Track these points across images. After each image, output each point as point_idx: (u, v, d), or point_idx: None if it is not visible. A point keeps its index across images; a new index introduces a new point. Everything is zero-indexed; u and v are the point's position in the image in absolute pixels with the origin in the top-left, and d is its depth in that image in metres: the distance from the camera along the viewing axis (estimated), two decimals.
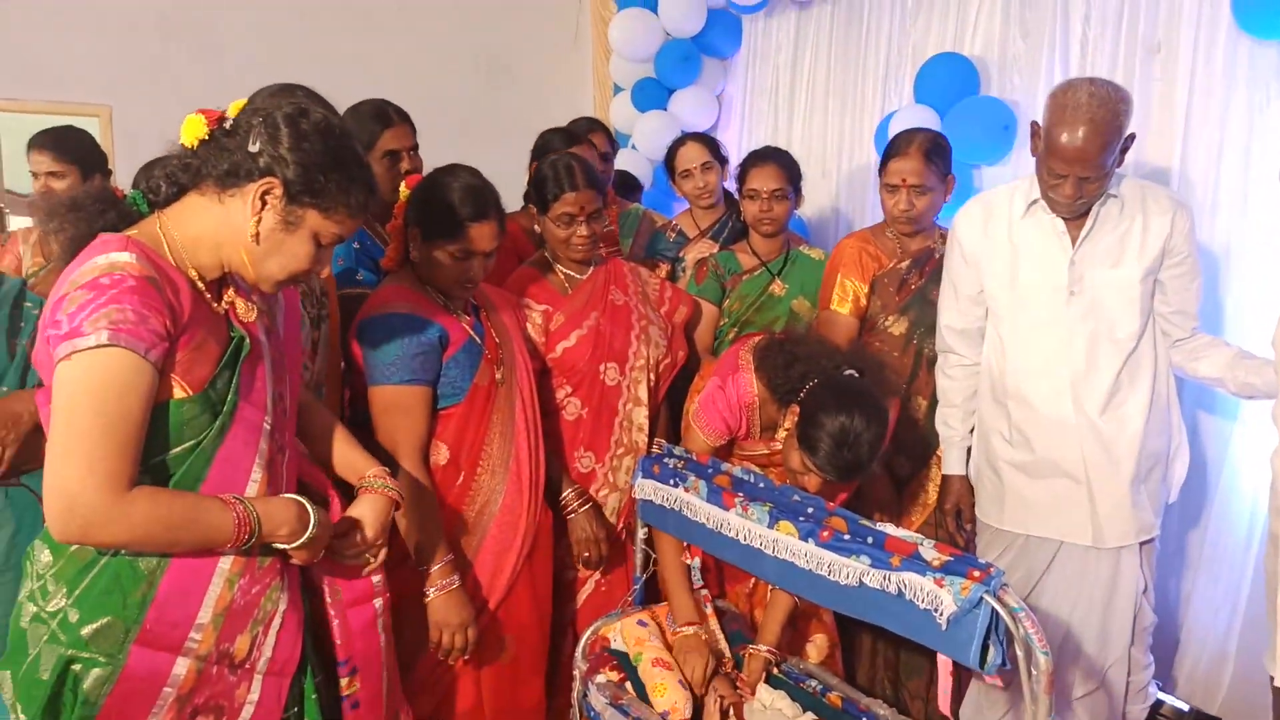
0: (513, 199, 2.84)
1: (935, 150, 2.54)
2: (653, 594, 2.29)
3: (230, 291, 1.42)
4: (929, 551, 1.55)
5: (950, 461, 2.39)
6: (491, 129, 5.39)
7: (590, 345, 2.35)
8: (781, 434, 2.02)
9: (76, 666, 1.27)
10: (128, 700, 1.29)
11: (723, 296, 2.80)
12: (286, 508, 1.38)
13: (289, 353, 1.55)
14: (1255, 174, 2.54)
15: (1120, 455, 2.10)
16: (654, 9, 4.18)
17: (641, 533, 2.20)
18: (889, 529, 1.64)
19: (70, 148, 2.80)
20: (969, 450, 2.37)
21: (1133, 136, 2.05)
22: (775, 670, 2.04)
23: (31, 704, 1.28)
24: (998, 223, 2.26)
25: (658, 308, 2.52)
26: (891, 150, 2.57)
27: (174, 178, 1.36)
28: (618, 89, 4.57)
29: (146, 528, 1.24)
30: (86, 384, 1.19)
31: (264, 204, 1.32)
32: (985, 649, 1.46)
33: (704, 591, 2.11)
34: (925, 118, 3.19)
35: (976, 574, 1.47)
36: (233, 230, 1.33)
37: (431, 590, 1.88)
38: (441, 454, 2.00)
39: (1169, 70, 2.72)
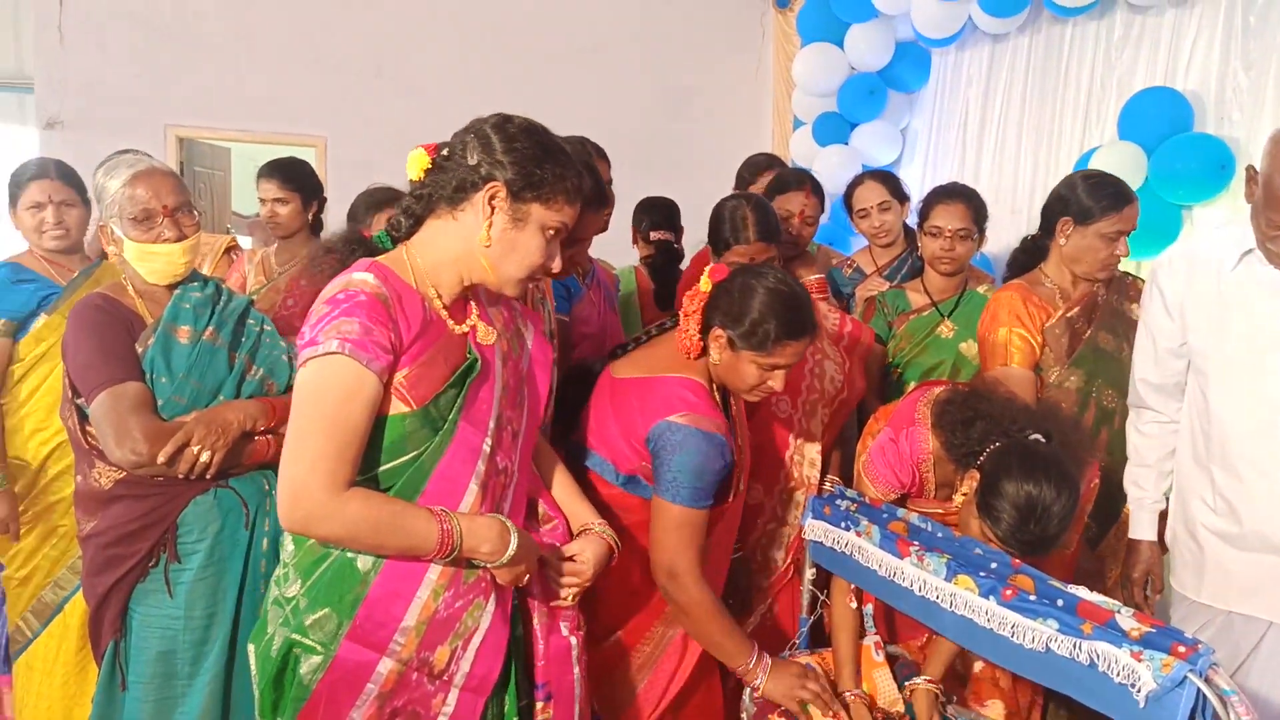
0: (692, 230, 2.87)
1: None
2: (818, 636, 2.24)
3: (473, 315, 1.51)
4: (1127, 620, 1.45)
5: (1140, 525, 2.22)
6: (672, 161, 5.51)
7: None
8: (959, 498, 1.91)
9: (297, 651, 1.39)
10: (335, 690, 1.39)
11: (890, 335, 2.73)
12: (490, 526, 1.43)
13: (531, 384, 1.62)
14: None
15: None
16: (839, 44, 4.15)
17: (810, 573, 2.15)
18: (1081, 592, 1.54)
19: (294, 176, 3.07)
20: (1161, 514, 2.20)
21: None
22: (945, 712, 1.95)
23: (263, 678, 1.42)
24: (1205, 274, 2.09)
25: (835, 342, 2.49)
26: (1119, 200, 2.36)
27: (410, 211, 1.49)
28: (799, 123, 4.56)
29: (357, 526, 1.33)
30: (315, 388, 1.32)
31: (492, 208, 1.42)
32: None
33: (875, 637, 2.04)
34: (1130, 155, 3.02)
35: (1182, 650, 1.35)
36: (469, 241, 1.44)
37: (760, 678, 1.88)
38: None
39: None
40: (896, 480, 2.08)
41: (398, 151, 1.57)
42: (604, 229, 1.87)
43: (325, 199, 3.20)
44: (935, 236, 2.65)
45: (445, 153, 1.46)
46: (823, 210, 2.95)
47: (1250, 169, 1.98)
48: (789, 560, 2.32)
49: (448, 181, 1.43)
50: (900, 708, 1.92)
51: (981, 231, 2.69)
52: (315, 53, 5.34)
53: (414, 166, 1.47)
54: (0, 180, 2.71)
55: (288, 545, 1.45)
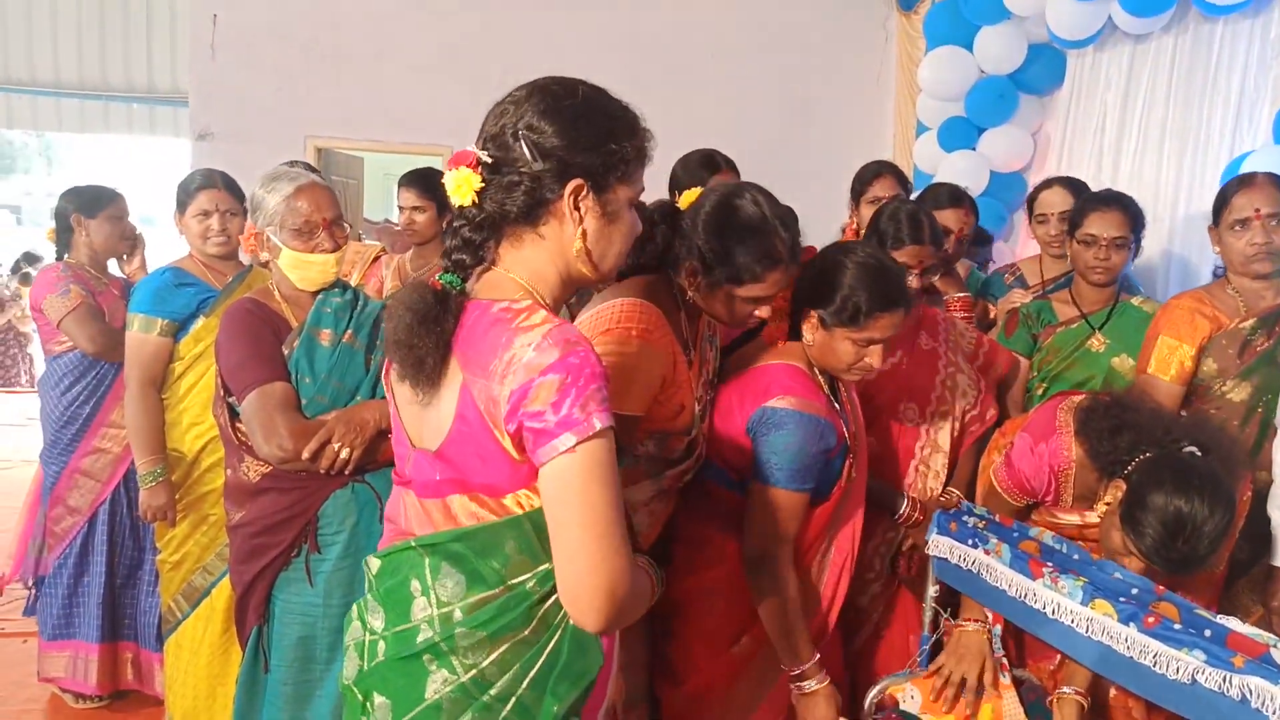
0: (810, 239, 2.84)
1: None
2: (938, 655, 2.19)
3: None
4: None
5: None
6: (794, 171, 5.45)
7: (890, 380, 2.31)
8: (1101, 508, 1.83)
9: None
10: None
11: (1034, 349, 2.64)
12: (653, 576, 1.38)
13: None
14: None
15: None
16: (969, 47, 4.05)
17: (932, 590, 2.11)
18: (1232, 623, 1.47)
19: (432, 186, 3.19)
20: None
21: None
22: None
23: None
24: None
25: (971, 361, 2.43)
26: (1231, 188, 2.32)
27: (472, 243, 1.24)
28: (923, 128, 4.46)
29: (640, 599, 1.24)
30: (598, 472, 1.14)
31: (581, 209, 1.22)
32: None
33: (1003, 659, 1.98)
34: None
35: None
36: (564, 254, 1.25)
37: (811, 683, 1.85)
38: None
39: None
40: (1030, 487, 2.03)
41: None
42: (785, 287, 1.81)
43: None
44: (1089, 245, 2.55)
45: (492, 162, 1.21)
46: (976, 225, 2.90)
47: None
48: (906, 573, 2.28)
49: (514, 198, 1.20)
50: None
51: (1139, 240, 2.58)
52: (446, 64, 5.52)
53: (461, 191, 1.21)
54: (162, 188, 2.91)
55: (464, 642, 1.23)
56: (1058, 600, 1.70)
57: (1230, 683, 1.38)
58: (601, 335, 1.67)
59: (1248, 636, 1.43)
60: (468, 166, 1.21)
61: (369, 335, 2.10)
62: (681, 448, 1.80)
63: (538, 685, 1.23)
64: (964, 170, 4.05)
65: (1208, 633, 1.47)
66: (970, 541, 1.94)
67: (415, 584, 1.26)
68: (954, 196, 2.86)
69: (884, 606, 2.29)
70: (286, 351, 2.02)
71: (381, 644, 1.29)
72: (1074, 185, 3.03)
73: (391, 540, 1.32)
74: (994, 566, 1.86)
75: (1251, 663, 1.38)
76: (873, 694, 1.98)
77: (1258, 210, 2.25)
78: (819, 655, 1.87)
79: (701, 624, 1.95)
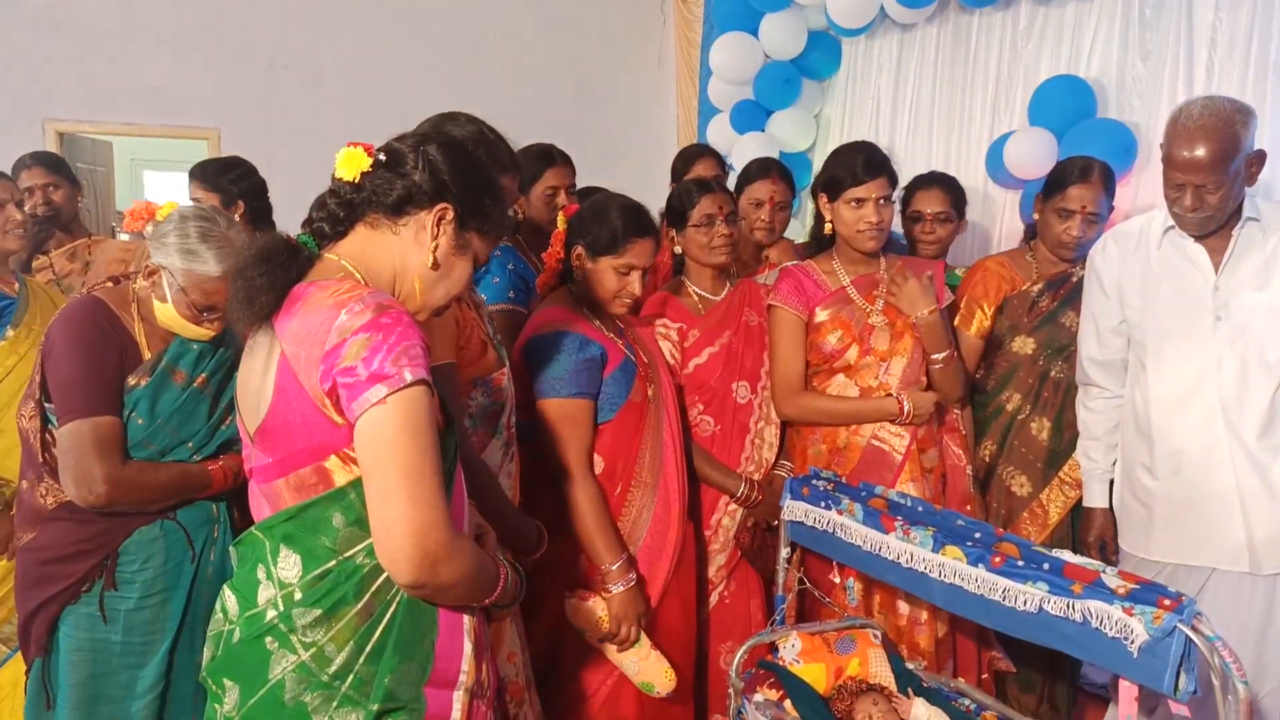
0: None
1: (1110, 180, 2.59)
2: (795, 614, 2.33)
3: None
4: (1112, 579, 1.56)
5: (1093, 494, 2.39)
6: (581, 151, 5.51)
7: (722, 363, 2.41)
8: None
9: None
10: None
11: None
12: (516, 576, 1.43)
13: None
14: None
15: (1276, 481, 2.08)
16: (754, 32, 4.23)
17: (785, 552, 2.23)
18: (1066, 555, 1.66)
19: (209, 176, 2.92)
20: (1110, 483, 2.37)
21: (1262, 154, 2.06)
22: (923, 684, 2.06)
23: None
24: (1135, 253, 2.26)
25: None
26: (1069, 176, 2.57)
27: (336, 217, 1.36)
28: (715, 110, 4.63)
29: (472, 563, 1.26)
30: (409, 424, 1.19)
31: (439, 231, 1.34)
32: (1176, 676, 1.47)
33: (868, 627, 2.13)
34: (1043, 139, 3.20)
35: (1168, 603, 1.47)
36: (406, 259, 1.35)
37: (617, 585, 1.96)
38: (598, 466, 2.07)
39: None
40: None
41: (298, 145, 1.50)
42: (516, 199, 1.95)
43: (249, 198, 3.02)
44: (916, 220, 2.85)
45: (384, 158, 1.35)
46: (794, 196, 3.03)
47: (1163, 146, 2.15)
48: (749, 547, 2.40)
49: (388, 190, 1.33)
50: (894, 686, 2.00)
51: (961, 214, 2.91)
52: (207, 41, 5.08)
53: (349, 166, 1.34)
54: None
55: (302, 621, 1.26)
56: (910, 550, 1.85)
57: (1073, 608, 1.57)
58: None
59: (1081, 565, 1.62)
60: (366, 151, 1.35)
61: (221, 381, 1.96)
62: (503, 385, 1.87)
63: (373, 659, 1.26)
64: (755, 151, 4.22)
65: (1046, 566, 1.65)
66: (823, 503, 2.07)
67: (261, 569, 1.29)
68: (763, 167, 3.00)
69: (727, 576, 2.40)
70: (132, 382, 1.84)
71: (236, 632, 1.31)
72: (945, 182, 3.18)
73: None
74: (848, 525, 1.99)
75: (1088, 588, 1.57)
76: (741, 652, 2.07)
77: (1084, 207, 2.53)
78: (628, 555, 2.01)
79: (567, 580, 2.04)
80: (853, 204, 2.35)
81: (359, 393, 1.18)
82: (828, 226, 2.44)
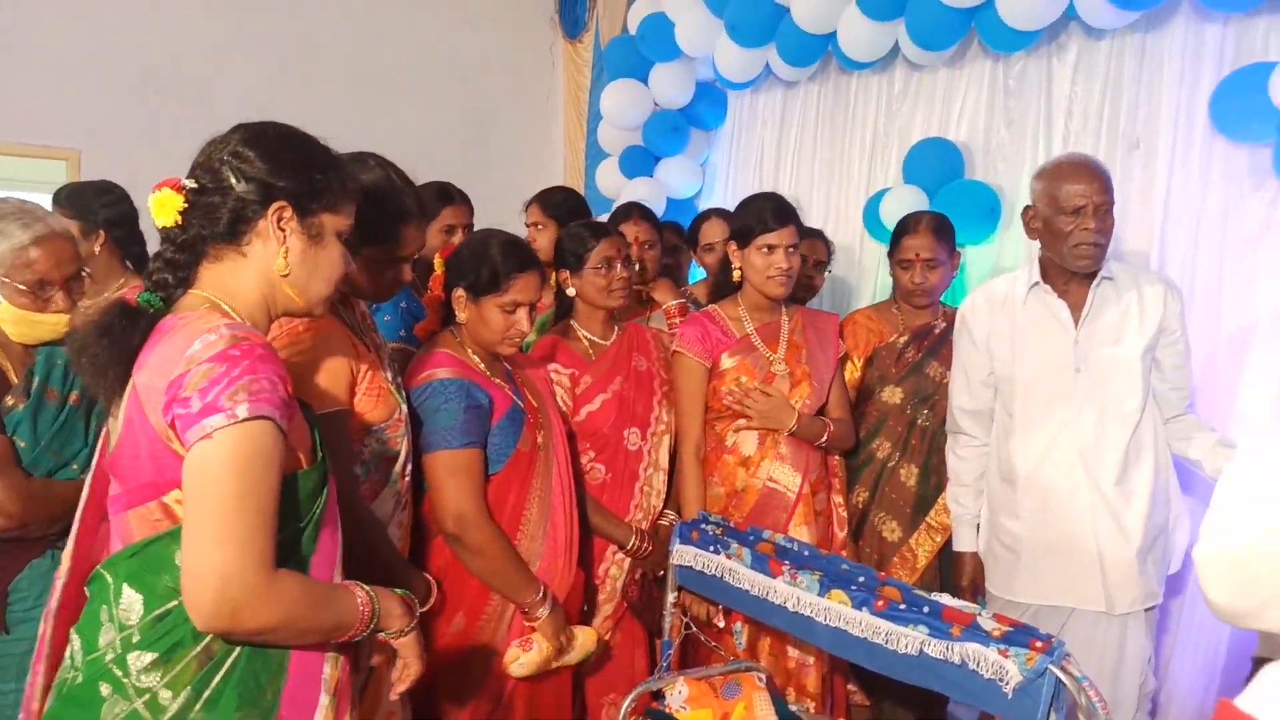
0: None
1: (943, 228, 2.74)
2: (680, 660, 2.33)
3: None
4: (988, 622, 1.63)
5: (963, 539, 2.49)
6: (472, 191, 5.45)
7: (614, 410, 2.41)
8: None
9: None
10: None
11: None
12: (389, 595, 1.37)
13: None
14: (1229, 269, 2.74)
15: (1129, 526, 2.22)
16: (644, 80, 4.31)
17: (672, 596, 2.23)
18: (944, 599, 1.72)
19: (82, 207, 2.75)
20: (978, 527, 2.48)
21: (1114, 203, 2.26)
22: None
23: None
24: (1002, 309, 2.40)
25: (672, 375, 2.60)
26: (902, 229, 2.75)
27: (176, 263, 1.30)
28: (604, 154, 4.68)
29: (293, 610, 1.20)
30: (232, 461, 1.15)
31: (284, 231, 1.31)
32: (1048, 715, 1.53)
33: (753, 671, 2.14)
34: (915, 197, 3.36)
35: (1039, 644, 1.55)
36: (267, 274, 1.31)
37: (543, 610, 1.98)
38: None
39: (1149, 166, 2.93)
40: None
41: (168, 168, 1.44)
42: (423, 246, 1.90)
43: (114, 226, 2.84)
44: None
45: (196, 186, 1.29)
46: (659, 236, 3.09)
47: (1028, 208, 2.31)
48: (636, 599, 2.40)
49: (217, 217, 1.28)
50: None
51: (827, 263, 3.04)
52: (72, 58, 4.82)
53: (164, 211, 1.27)
54: None
55: (137, 664, 1.20)
56: (797, 594, 1.88)
57: (952, 650, 1.62)
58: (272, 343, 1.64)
59: (958, 609, 1.68)
60: (171, 188, 1.28)
61: (93, 398, 1.85)
62: (399, 432, 1.81)
63: (210, 706, 1.20)
64: (644, 196, 4.28)
65: (926, 609, 1.71)
66: (712, 548, 2.09)
67: (104, 610, 1.23)
68: (624, 211, 3.12)
69: (614, 628, 2.39)
70: (10, 403, 1.74)
71: (78, 677, 1.25)
72: (728, 214, 3.35)
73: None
74: (736, 569, 2.02)
75: (965, 630, 1.63)
76: (628, 701, 2.06)
77: (918, 254, 2.66)
78: (540, 581, 2.01)
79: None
80: (763, 250, 2.42)
81: (190, 424, 1.15)
82: (736, 273, 2.49)
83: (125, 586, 1.22)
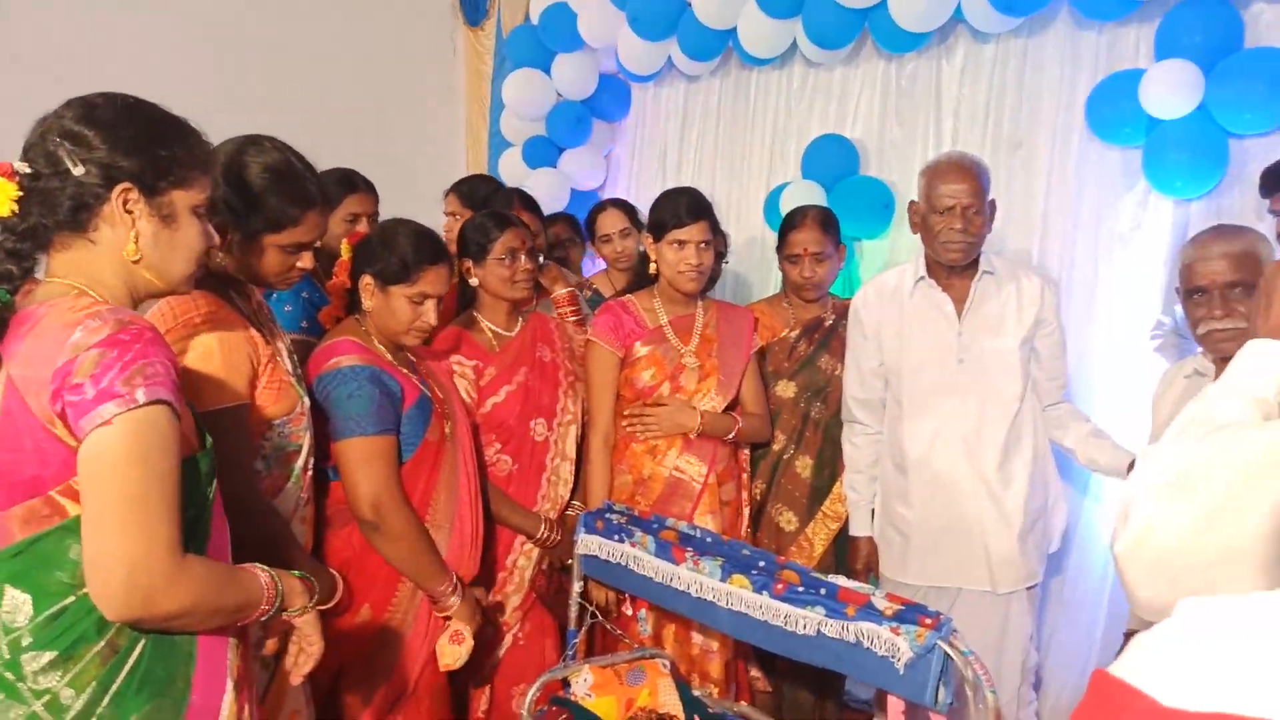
0: None
1: (828, 222, 2.80)
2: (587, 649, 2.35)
3: None
4: (880, 601, 1.70)
5: (859, 523, 2.57)
6: (374, 178, 5.34)
7: (520, 401, 2.41)
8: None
9: None
10: None
11: None
12: (288, 576, 1.36)
13: None
14: (1103, 264, 2.90)
15: (1009, 509, 2.34)
16: (547, 70, 4.29)
17: (578, 586, 2.25)
18: (840, 580, 1.78)
19: None
20: (872, 513, 2.56)
21: (994, 203, 2.37)
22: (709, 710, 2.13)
23: None
24: (891, 301, 2.50)
25: (583, 363, 2.61)
26: (789, 224, 2.81)
27: (18, 253, 1.21)
28: (508, 144, 4.65)
29: (204, 592, 1.19)
30: (134, 447, 1.12)
31: (131, 214, 1.23)
32: (937, 689, 1.61)
33: (657, 658, 2.17)
34: (813, 192, 3.44)
35: (928, 622, 1.62)
36: (119, 259, 1.25)
37: (456, 599, 1.99)
38: None
39: (1030, 166, 3.08)
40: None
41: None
42: (325, 233, 1.85)
43: None
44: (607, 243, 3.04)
45: (31, 171, 1.20)
46: (543, 224, 3.13)
47: (912, 204, 2.41)
48: (546, 590, 2.41)
49: (57, 205, 1.20)
50: (681, 714, 2.06)
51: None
52: None
53: (1, 200, 1.19)
54: None
55: (32, 665, 1.15)
56: (700, 580, 1.92)
57: (848, 630, 1.69)
58: (166, 336, 1.57)
59: (852, 589, 1.75)
60: (3, 176, 1.19)
61: None
62: (302, 425, 1.78)
63: (118, 700, 1.18)
64: (546, 185, 4.28)
65: (823, 590, 1.77)
66: (616, 537, 2.11)
67: None
68: (505, 198, 3.09)
69: (522, 618, 2.39)
70: None
71: None
72: (625, 206, 3.44)
73: None
74: (640, 557, 2.04)
75: (860, 610, 1.69)
76: (533, 690, 2.06)
77: (805, 249, 2.72)
78: (451, 571, 2.01)
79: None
80: (675, 245, 2.44)
81: (84, 411, 1.11)
82: (653, 266, 2.51)
83: (8, 588, 1.16)
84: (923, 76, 3.39)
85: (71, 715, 1.16)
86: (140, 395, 1.12)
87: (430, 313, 2.03)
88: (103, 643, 1.17)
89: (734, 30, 3.60)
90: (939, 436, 2.39)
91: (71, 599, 1.16)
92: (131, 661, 1.19)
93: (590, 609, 2.27)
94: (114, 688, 1.18)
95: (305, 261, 1.73)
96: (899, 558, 2.45)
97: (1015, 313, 2.40)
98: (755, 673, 2.66)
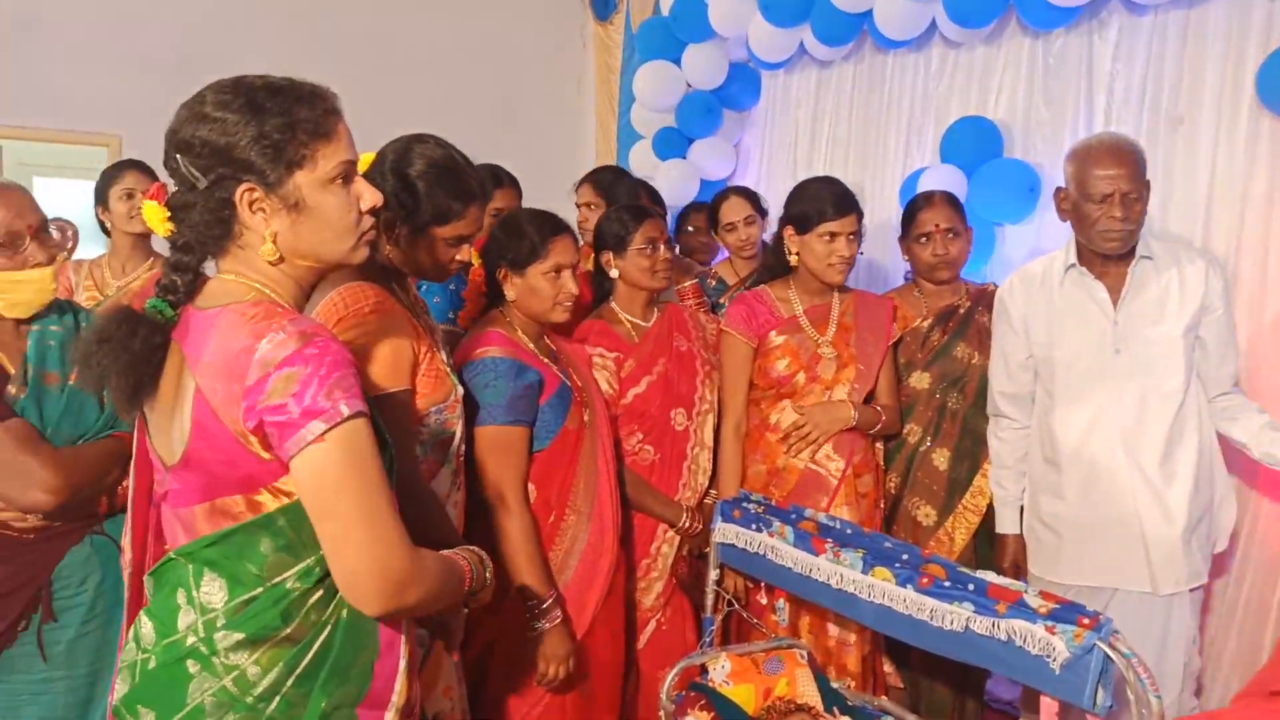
0: None
1: (955, 201, 2.74)
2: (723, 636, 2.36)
3: None
4: (1033, 599, 1.64)
5: (1005, 521, 2.48)
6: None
7: (660, 391, 2.43)
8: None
9: None
10: None
11: None
12: (480, 563, 1.43)
13: None
14: (1275, 248, 2.70)
15: (1172, 505, 2.21)
16: (677, 62, 4.30)
17: (714, 574, 2.26)
18: (990, 576, 1.73)
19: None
20: (1020, 509, 2.47)
21: (1149, 184, 2.23)
22: (847, 702, 2.10)
23: None
24: (1039, 291, 2.39)
25: (716, 352, 2.62)
26: (914, 206, 2.75)
27: (181, 266, 1.24)
28: (637, 136, 4.68)
29: (435, 579, 1.26)
30: (349, 459, 1.15)
31: (263, 213, 1.21)
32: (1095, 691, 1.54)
33: (795, 648, 2.16)
34: (953, 176, 3.33)
35: (1086, 621, 1.56)
36: (268, 263, 1.24)
37: (543, 624, 1.95)
38: (532, 494, 2.06)
39: (1191, 144, 2.89)
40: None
41: None
42: (482, 226, 1.90)
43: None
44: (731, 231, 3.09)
45: (175, 190, 1.22)
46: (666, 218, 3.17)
47: (1059, 190, 2.30)
48: (686, 577, 2.43)
49: (200, 221, 1.21)
50: (820, 705, 2.04)
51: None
52: (110, 43, 4.89)
53: (155, 223, 1.24)
54: None
55: (224, 642, 1.22)
56: (841, 571, 1.90)
57: (998, 627, 1.63)
58: (337, 326, 1.67)
59: (1004, 586, 1.69)
60: (154, 199, 1.24)
61: None
62: (455, 413, 1.84)
63: (304, 682, 1.23)
64: (676, 178, 4.30)
65: (971, 586, 1.72)
66: (754, 526, 2.11)
67: (181, 594, 1.25)
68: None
69: (664, 604, 2.41)
70: (12, 391, 1.73)
71: (152, 660, 1.26)
72: (749, 193, 3.40)
73: (159, 558, 1.33)
74: (778, 547, 2.04)
75: (1011, 607, 1.64)
76: (672, 674, 2.08)
77: (937, 225, 2.64)
78: (557, 594, 2.00)
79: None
80: (825, 238, 2.43)
81: (292, 430, 1.13)
82: (793, 258, 2.49)
83: (206, 572, 1.24)
84: (1072, 52, 3.22)
85: (259, 690, 1.21)
86: (344, 408, 1.14)
87: (569, 282, 2.08)
88: (287, 631, 1.22)
89: (869, 13, 3.52)
90: (1095, 428, 2.28)
91: (260, 590, 1.22)
92: (316, 649, 1.24)
93: (727, 596, 2.28)
94: (299, 669, 1.23)
95: (465, 254, 1.81)
96: (1050, 555, 2.35)
97: (1177, 299, 2.27)
98: (888, 667, 2.62)
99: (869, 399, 2.52)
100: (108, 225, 2.94)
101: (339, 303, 1.68)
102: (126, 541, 1.44)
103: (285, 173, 1.20)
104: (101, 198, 2.93)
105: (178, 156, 1.20)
